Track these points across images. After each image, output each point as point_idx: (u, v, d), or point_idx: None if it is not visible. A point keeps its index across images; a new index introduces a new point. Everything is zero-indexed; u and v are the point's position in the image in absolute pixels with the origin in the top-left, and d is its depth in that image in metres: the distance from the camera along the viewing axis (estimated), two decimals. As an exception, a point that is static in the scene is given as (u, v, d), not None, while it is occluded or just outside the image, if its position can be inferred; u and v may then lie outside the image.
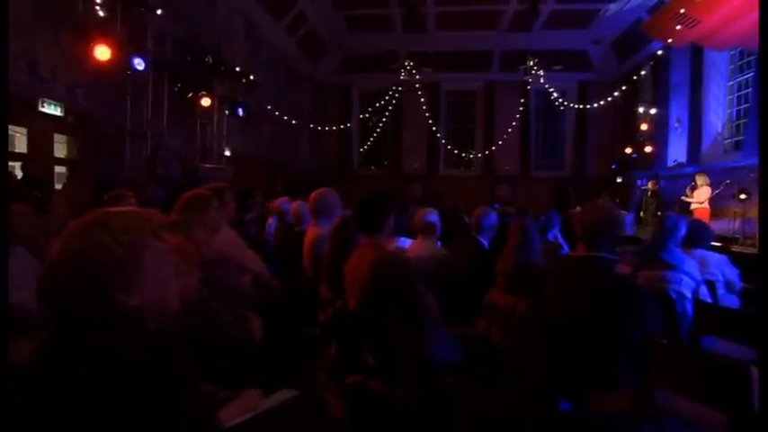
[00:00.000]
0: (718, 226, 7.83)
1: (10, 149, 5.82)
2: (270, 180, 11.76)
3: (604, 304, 1.97)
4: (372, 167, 16.03)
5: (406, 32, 12.99)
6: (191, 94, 8.31)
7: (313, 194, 2.90)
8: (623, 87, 12.44)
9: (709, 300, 2.95)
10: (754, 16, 6.20)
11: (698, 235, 3.08)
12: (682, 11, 7.27)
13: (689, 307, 2.85)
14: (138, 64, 6.77)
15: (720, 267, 3.13)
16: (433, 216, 3.15)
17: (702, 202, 7.75)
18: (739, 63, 9.38)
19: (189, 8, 8.37)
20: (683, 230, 2.98)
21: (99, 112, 6.82)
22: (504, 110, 14.62)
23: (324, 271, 2.46)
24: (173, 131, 8.21)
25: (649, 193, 9.86)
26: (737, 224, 7.17)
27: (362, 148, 15.62)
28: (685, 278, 2.88)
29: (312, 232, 2.86)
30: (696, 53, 9.74)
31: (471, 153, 15.22)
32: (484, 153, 14.97)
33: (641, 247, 3.32)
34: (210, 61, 8.35)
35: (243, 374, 1.78)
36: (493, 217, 2.97)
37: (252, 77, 9.70)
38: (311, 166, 14.84)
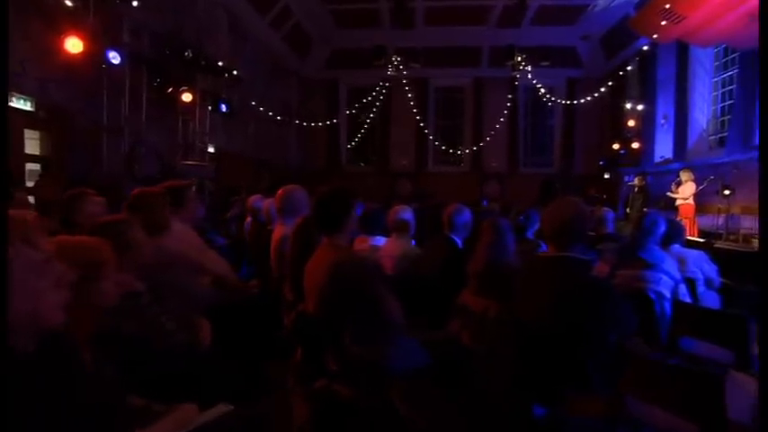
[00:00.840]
0: (703, 222, 7.86)
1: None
2: (255, 177, 11.57)
3: (575, 306, 1.89)
4: (361, 164, 15.88)
5: (393, 27, 12.87)
6: (171, 89, 8.11)
7: (279, 192, 2.77)
8: (610, 83, 12.42)
9: (689, 299, 2.89)
10: (738, 13, 6.18)
11: (673, 231, 3.02)
12: (667, 6, 7.25)
13: (667, 307, 2.78)
14: (114, 57, 6.56)
15: (699, 264, 3.07)
16: (406, 214, 3.03)
17: (687, 198, 7.76)
18: (723, 60, 9.37)
19: (168, 0, 8.15)
20: (663, 228, 2.91)
21: (73, 107, 6.61)
22: (493, 106, 14.54)
23: (286, 272, 2.35)
24: (152, 127, 8.02)
25: (636, 189, 9.84)
26: (721, 220, 7.18)
27: (350, 144, 15.44)
28: (664, 277, 2.81)
29: (279, 231, 2.74)
30: (682, 50, 9.72)
31: (460, 150, 15.12)
32: (472, 150, 14.88)
33: (621, 246, 3.24)
34: (191, 55, 8.14)
35: (194, 381, 1.67)
36: (466, 215, 2.86)
37: (235, 72, 9.51)
38: (298, 163, 14.65)
